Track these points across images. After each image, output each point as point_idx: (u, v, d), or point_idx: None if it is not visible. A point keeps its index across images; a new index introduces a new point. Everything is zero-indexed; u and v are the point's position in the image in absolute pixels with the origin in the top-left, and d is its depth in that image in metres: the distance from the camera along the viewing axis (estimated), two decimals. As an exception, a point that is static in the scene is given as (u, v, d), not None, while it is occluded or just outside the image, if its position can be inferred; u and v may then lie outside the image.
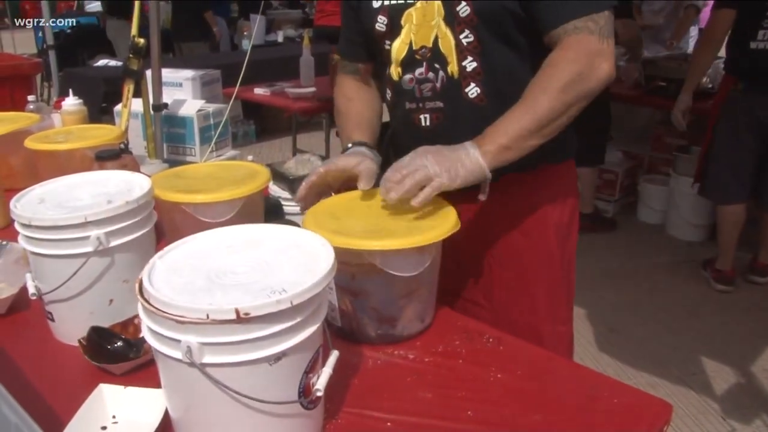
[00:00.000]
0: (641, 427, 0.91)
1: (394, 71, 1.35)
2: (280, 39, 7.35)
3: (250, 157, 1.81)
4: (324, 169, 1.25)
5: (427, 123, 1.33)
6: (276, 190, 1.64)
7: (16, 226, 1.08)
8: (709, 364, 2.81)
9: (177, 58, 6.61)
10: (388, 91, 1.41)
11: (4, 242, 1.39)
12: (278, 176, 1.65)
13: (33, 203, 1.12)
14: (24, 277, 1.12)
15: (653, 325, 3.12)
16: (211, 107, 2.36)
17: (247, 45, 6.10)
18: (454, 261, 1.36)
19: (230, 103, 2.43)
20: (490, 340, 1.11)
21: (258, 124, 6.25)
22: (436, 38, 1.27)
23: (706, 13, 4.64)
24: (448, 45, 1.26)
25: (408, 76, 1.32)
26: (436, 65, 1.29)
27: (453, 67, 1.27)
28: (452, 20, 1.24)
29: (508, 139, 1.13)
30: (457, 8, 1.23)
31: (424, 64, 1.29)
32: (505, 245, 1.39)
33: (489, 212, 1.34)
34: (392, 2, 1.31)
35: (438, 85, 1.30)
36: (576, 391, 0.98)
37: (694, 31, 5.16)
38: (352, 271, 1.04)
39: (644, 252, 3.92)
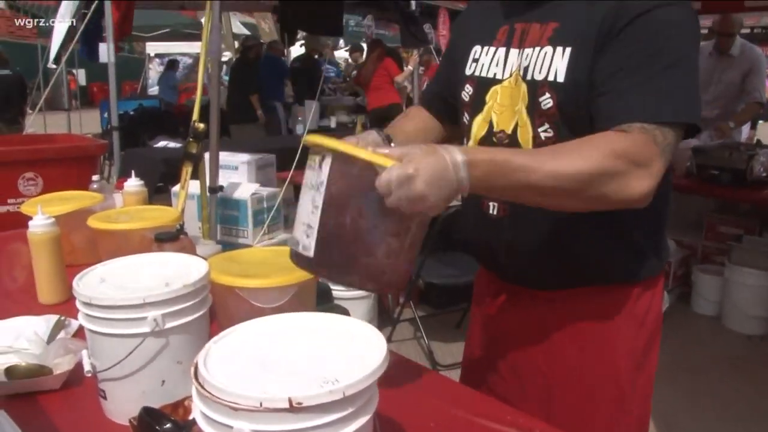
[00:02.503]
0: None
1: None
2: (333, 124, 7.57)
3: (301, 241, 1.83)
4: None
5: (495, 212, 1.28)
6: (326, 275, 1.66)
7: (77, 303, 1.11)
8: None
9: (233, 142, 6.85)
10: None
11: (64, 318, 1.43)
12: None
13: (94, 282, 1.15)
14: (80, 353, 1.15)
15: (714, 425, 2.96)
16: (265, 191, 2.43)
17: (301, 129, 6.30)
18: (511, 369, 1.32)
19: (284, 188, 2.50)
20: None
21: (309, 207, 6.35)
22: (516, 126, 1.22)
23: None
24: (526, 136, 1.21)
25: None
26: None
27: None
28: (534, 110, 1.20)
29: (504, 184, 1.01)
30: (540, 99, 1.18)
31: None
32: (567, 365, 1.29)
33: (552, 326, 1.28)
34: (481, 74, 1.29)
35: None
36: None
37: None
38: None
39: (700, 346, 3.78)
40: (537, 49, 1.19)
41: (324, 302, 1.49)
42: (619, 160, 1.01)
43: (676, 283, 4.36)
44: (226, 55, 10.84)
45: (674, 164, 4.18)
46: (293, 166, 2.56)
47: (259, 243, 2.33)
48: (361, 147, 1.02)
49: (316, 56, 8.88)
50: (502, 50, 1.26)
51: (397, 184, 0.94)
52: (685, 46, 1.10)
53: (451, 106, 1.41)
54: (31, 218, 1.61)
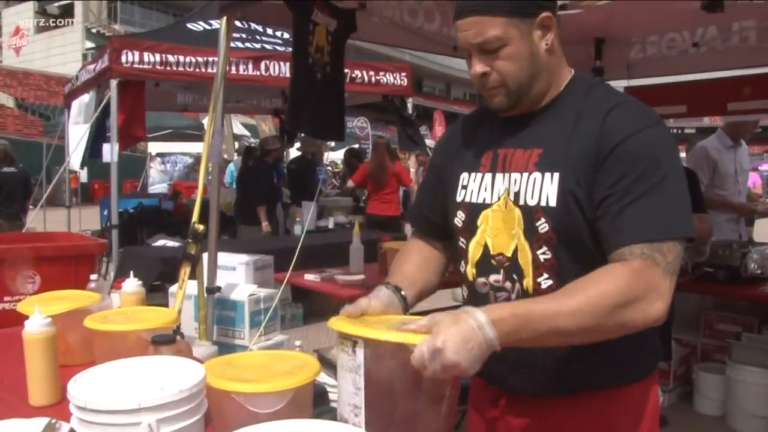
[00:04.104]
0: None
1: (470, 272, 1.35)
2: (330, 225, 7.62)
3: (297, 343, 1.83)
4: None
5: None
6: (322, 377, 1.64)
7: (71, 407, 1.10)
8: None
9: (231, 242, 6.87)
10: (464, 288, 1.41)
11: (55, 420, 1.40)
12: (324, 362, 1.66)
13: (89, 386, 1.15)
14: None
15: None
16: (263, 292, 2.44)
17: (298, 230, 6.35)
18: None
19: (281, 289, 2.51)
20: None
21: (306, 307, 6.32)
22: (516, 249, 1.27)
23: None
24: (526, 259, 1.26)
25: (481, 280, 1.32)
26: (515, 276, 1.28)
27: (528, 282, 1.26)
28: (531, 234, 1.25)
29: (530, 336, 1.08)
30: (537, 223, 1.24)
31: (502, 272, 1.29)
32: None
33: (555, 430, 1.30)
34: (471, 200, 1.35)
35: (513, 296, 1.29)
36: None
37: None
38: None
39: (705, 447, 3.69)
40: (525, 174, 1.27)
41: (321, 405, 1.47)
42: (628, 292, 1.08)
43: (678, 381, 4.29)
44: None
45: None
46: (291, 267, 2.58)
47: (255, 345, 2.31)
48: (384, 321, 1.18)
49: (309, 157, 9.06)
50: (488, 176, 1.34)
51: (429, 358, 1.02)
52: (666, 164, 1.17)
53: (442, 228, 1.46)
54: (27, 317, 1.60)
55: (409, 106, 7.73)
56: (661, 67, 4.68)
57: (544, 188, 1.23)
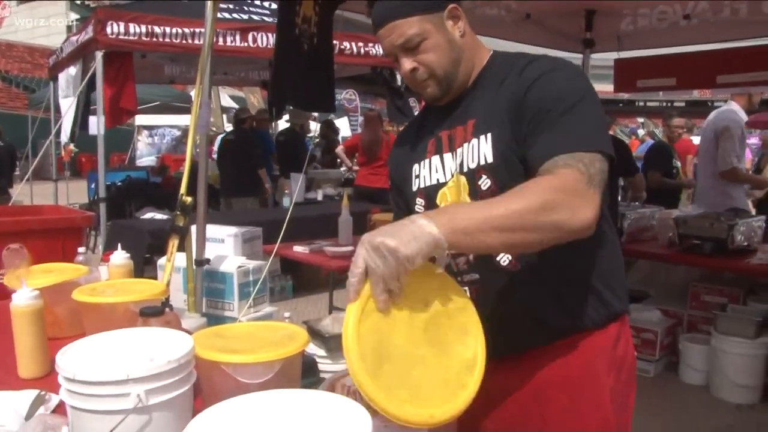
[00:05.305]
0: None
1: None
2: (319, 197, 7.61)
3: (287, 314, 1.83)
4: None
5: (467, 291, 1.34)
6: (312, 348, 1.65)
7: (60, 379, 1.10)
8: None
9: (220, 213, 6.85)
10: None
11: (44, 393, 1.40)
12: (314, 334, 1.67)
13: (77, 357, 1.15)
14: (60, 430, 1.13)
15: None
16: (252, 264, 2.44)
17: (287, 202, 6.34)
18: (502, 424, 1.36)
19: (269, 260, 2.51)
20: None
21: (295, 280, 6.35)
22: None
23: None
24: None
25: None
26: None
27: None
28: (475, 195, 1.33)
29: (467, 224, 1.06)
30: (479, 182, 1.33)
31: None
32: (558, 411, 1.37)
33: (542, 377, 1.37)
34: (427, 184, 1.43)
35: (471, 257, 1.37)
36: None
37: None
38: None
39: (689, 415, 3.75)
40: (465, 145, 1.37)
41: (310, 376, 1.48)
42: (556, 193, 1.12)
43: (663, 352, 4.35)
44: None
45: (657, 234, 4.30)
46: (279, 239, 2.58)
47: (244, 316, 2.32)
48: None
49: (298, 129, 9.01)
50: (436, 158, 1.44)
51: (374, 254, 1.00)
52: (579, 92, 1.28)
53: None
54: (14, 291, 1.60)
55: (398, 77, 7.68)
56: (651, 39, 4.67)
57: (481, 149, 1.33)
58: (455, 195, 1.37)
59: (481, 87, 1.42)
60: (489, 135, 1.33)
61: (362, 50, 7.25)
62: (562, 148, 1.20)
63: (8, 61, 23.09)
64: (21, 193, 7.69)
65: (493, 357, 1.37)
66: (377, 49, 7.36)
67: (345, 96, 15.62)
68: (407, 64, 1.39)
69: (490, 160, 1.32)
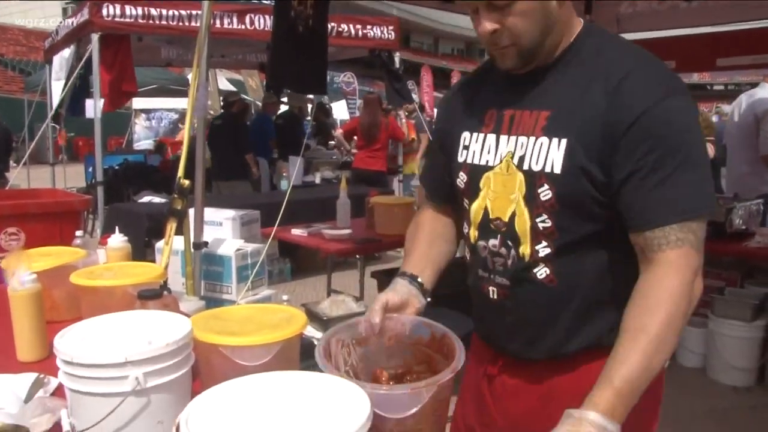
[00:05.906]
0: None
1: (472, 233, 1.32)
2: (317, 180, 7.59)
3: (285, 297, 1.84)
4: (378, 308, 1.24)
5: (495, 296, 1.31)
6: (310, 331, 1.65)
7: (58, 362, 1.10)
8: None
9: (218, 197, 6.84)
10: (467, 249, 1.38)
11: (43, 376, 1.40)
12: (312, 316, 1.67)
13: (75, 340, 1.15)
14: (59, 413, 1.13)
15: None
16: (250, 247, 2.43)
17: (285, 185, 6.32)
18: (510, 420, 1.34)
19: (268, 244, 2.51)
20: None
21: (293, 263, 6.35)
22: (513, 215, 1.23)
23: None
24: (523, 226, 1.22)
25: (482, 243, 1.30)
26: (509, 242, 1.25)
27: (525, 249, 1.23)
28: (531, 201, 1.21)
29: (639, 394, 1.06)
30: (539, 189, 1.19)
31: (499, 237, 1.26)
32: None
33: (555, 381, 1.31)
34: (473, 162, 1.30)
35: (509, 262, 1.26)
36: None
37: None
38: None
39: (686, 398, 3.77)
40: (532, 139, 1.21)
41: (308, 358, 1.48)
42: (690, 303, 1.10)
43: (661, 335, 4.36)
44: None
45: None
46: (277, 222, 2.57)
47: (243, 299, 2.32)
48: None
49: (296, 112, 8.97)
50: (492, 136, 1.28)
51: None
52: (692, 137, 1.14)
53: (450, 189, 1.41)
54: (12, 274, 1.59)
55: (396, 60, 7.64)
56: (651, 21, 4.64)
57: (550, 154, 1.18)
58: (500, 185, 1.25)
59: (563, 67, 1.23)
60: (564, 142, 1.17)
61: (360, 32, 7.20)
62: (673, 218, 1.10)
63: (3, 44, 22.94)
64: (18, 177, 7.67)
65: (510, 355, 1.36)
66: (375, 32, 7.33)
67: (343, 79, 15.55)
68: (489, 24, 1.17)
69: (557, 170, 1.17)
